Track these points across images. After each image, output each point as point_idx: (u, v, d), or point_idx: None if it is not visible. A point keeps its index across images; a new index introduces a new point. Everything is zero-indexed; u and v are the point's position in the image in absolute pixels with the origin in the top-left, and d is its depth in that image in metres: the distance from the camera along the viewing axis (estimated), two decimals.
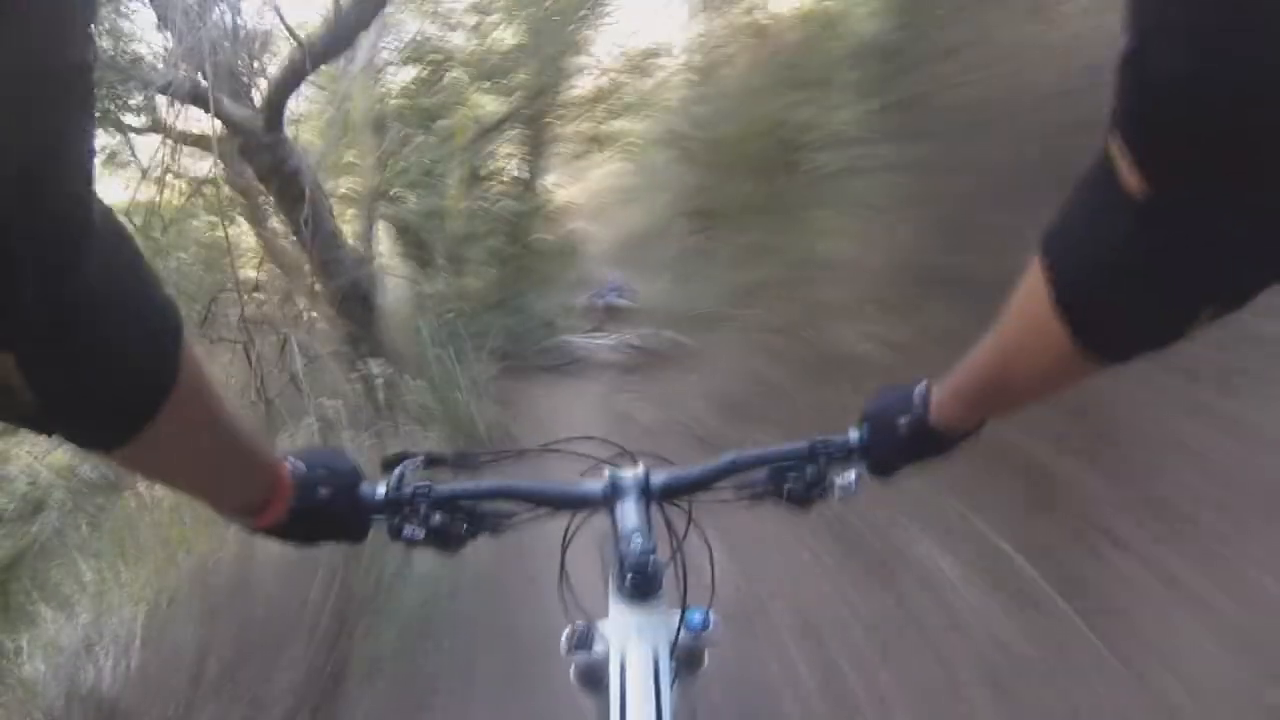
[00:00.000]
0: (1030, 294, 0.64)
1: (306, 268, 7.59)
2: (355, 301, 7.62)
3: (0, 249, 0.36)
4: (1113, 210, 0.51)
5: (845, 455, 1.03)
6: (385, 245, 11.35)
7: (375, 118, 10.10)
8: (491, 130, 12.37)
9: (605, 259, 19.10)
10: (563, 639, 1.25)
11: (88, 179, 0.42)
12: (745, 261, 8.11)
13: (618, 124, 19.79)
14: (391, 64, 11.38)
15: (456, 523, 1.02)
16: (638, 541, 0.97)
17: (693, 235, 9.30)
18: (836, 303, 5.04)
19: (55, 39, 0.35)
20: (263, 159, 6.40)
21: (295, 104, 7.11)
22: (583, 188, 27.24)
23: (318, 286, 7.48)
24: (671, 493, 1.07)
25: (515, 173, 13.55)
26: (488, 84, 12.16)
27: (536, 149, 13.86)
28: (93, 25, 0.38)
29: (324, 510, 0.92)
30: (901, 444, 0.96)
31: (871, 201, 5.09)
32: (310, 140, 9.32)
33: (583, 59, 13.61)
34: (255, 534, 0.88)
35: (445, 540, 1.02)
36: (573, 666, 1.27)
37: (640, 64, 14.93)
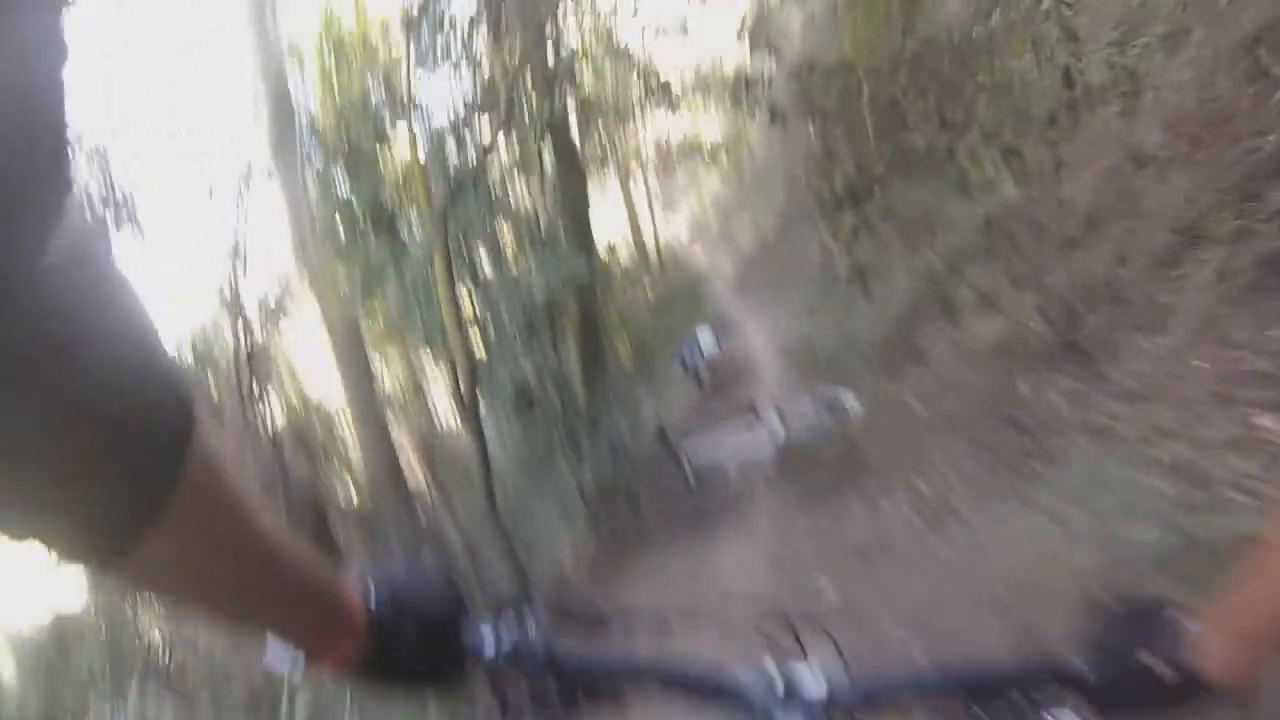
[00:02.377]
0: None
1: None
2: None
3: None
4: None
5: (1062, 687, 0.84)
6: None
7: None
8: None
9: (723, 294, 17.33)
10: None
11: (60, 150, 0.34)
12: (912, 248, 7.00)
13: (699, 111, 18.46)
14: None
15: (572, 692, 0.88)
16: None
17: (833, 228, 7.56)
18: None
19: None
20: None
21: None
22: (674, 208, 25.92)
23: None
24: (855, 711, 0.87)
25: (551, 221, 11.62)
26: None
27: (574, 176, 11.88)
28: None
29: (408, 656, 0.78)
30: (1145, 688, 0.78)
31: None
32: None
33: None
34: (322, 675, 0.75)
35: (552, 710, 0.87)
36: None
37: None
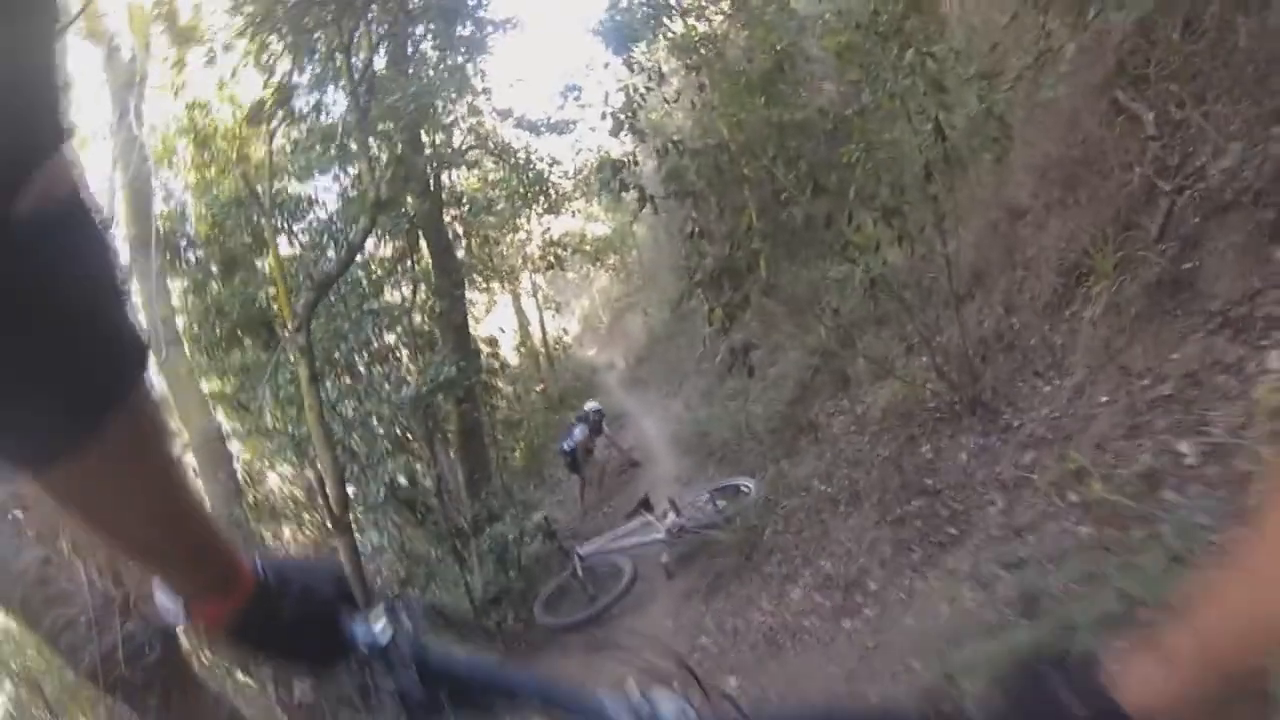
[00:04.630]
0: None
1: None
2: None
3: None
4: None
5: None
6: None
7: None
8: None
9: (615, 389, 17.19)
10: None
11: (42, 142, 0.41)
12: (799, 323, 7.08)
13: (578, 215, 18.71)
14: None
15: (436, 693, 0.91)
16: None
17: (713, 311, 7.47)
18: None
19: None
20: None
21: None
22: (564, 307, 26.04)
23: None
24: None
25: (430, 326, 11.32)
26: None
27: (450, 277, 11.72)
28: None
29: (284, 626, 0.84)
30: None
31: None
32: None
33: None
34: (195, 627, 0.82)
35: (415, 709, 0.90)
36: None
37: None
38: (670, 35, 9.09)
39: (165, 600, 0.79)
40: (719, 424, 8.98)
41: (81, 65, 9.09)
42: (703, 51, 8.27)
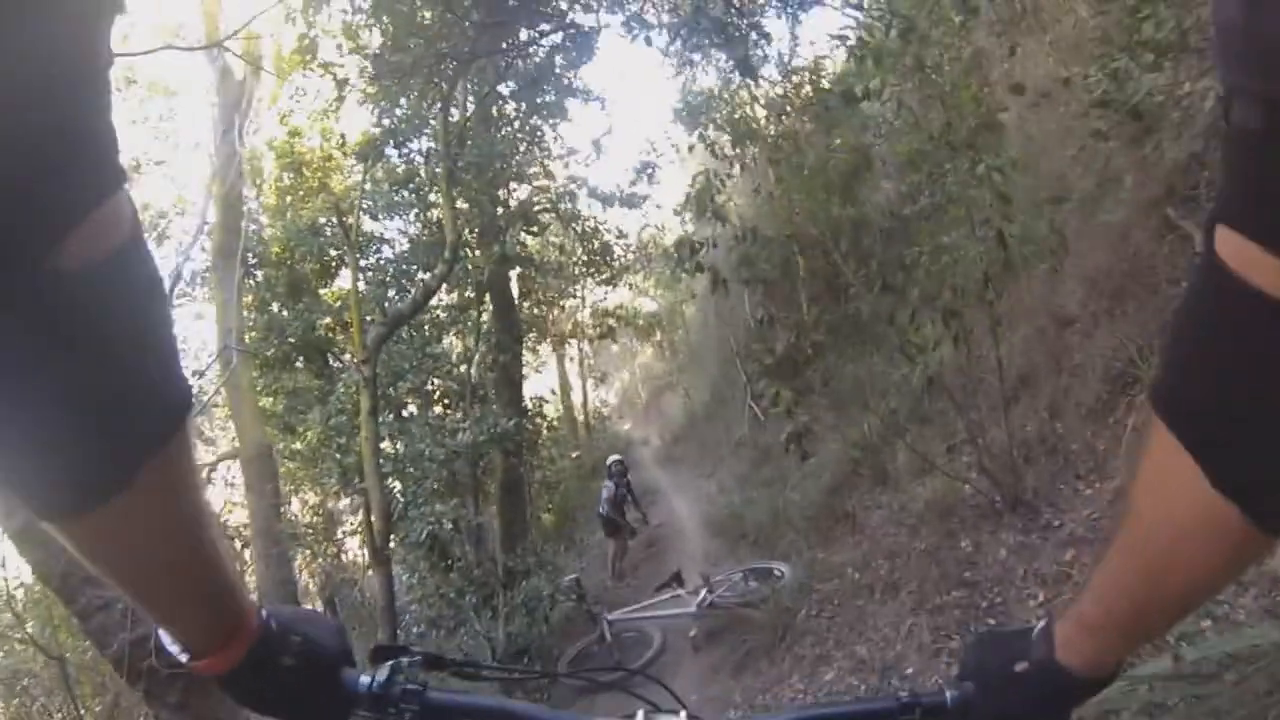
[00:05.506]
0: (1170, 480, 0.59)
1: None
2: None
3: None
4: (1252, 331, 0.47)
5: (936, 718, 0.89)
6: None
7: None
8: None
9: (650, 465, 17.28)
10: None
11: (89, 178, 0.40)
12: (847, 415, 7.14)
13: (636, 288, 19.12)
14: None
15: None
16: None
17: (760, 396, 7.68)
18: None
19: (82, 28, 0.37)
20: None
21: None
22: (607, 378, 26.32)
23: None
24: None
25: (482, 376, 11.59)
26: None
27: (510, 334, 12.05)
28: (111, 27, 0.40)
29: (284, 680, 0.85)
30: (1021, 699, 0.83)
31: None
32: None
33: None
34: (197, 674, 0.81)
35: None
36: None
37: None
38: (746, 125, 9.62)
39: (169, 642, 0.80)
40: (754, 508, 9.05)
41: (195, 79, 9.77)
42: (781, 145, 8.73)
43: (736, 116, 9.72)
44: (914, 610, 4.97)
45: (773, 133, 9.29)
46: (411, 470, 9.24)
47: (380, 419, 8.32)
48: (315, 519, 11.88)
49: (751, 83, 9.22)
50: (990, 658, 0.88)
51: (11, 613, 6.52)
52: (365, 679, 0.92)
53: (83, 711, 6.48)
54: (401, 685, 0.92)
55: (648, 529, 11.00)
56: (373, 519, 7.19)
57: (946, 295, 5.43)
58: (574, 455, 17.75)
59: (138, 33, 8.85)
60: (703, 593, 7.01)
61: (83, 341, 0.44)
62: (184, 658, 0.79)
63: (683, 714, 0.97)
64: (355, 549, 12.17)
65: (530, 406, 13.32)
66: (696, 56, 9.56)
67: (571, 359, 22.72)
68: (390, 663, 0.95)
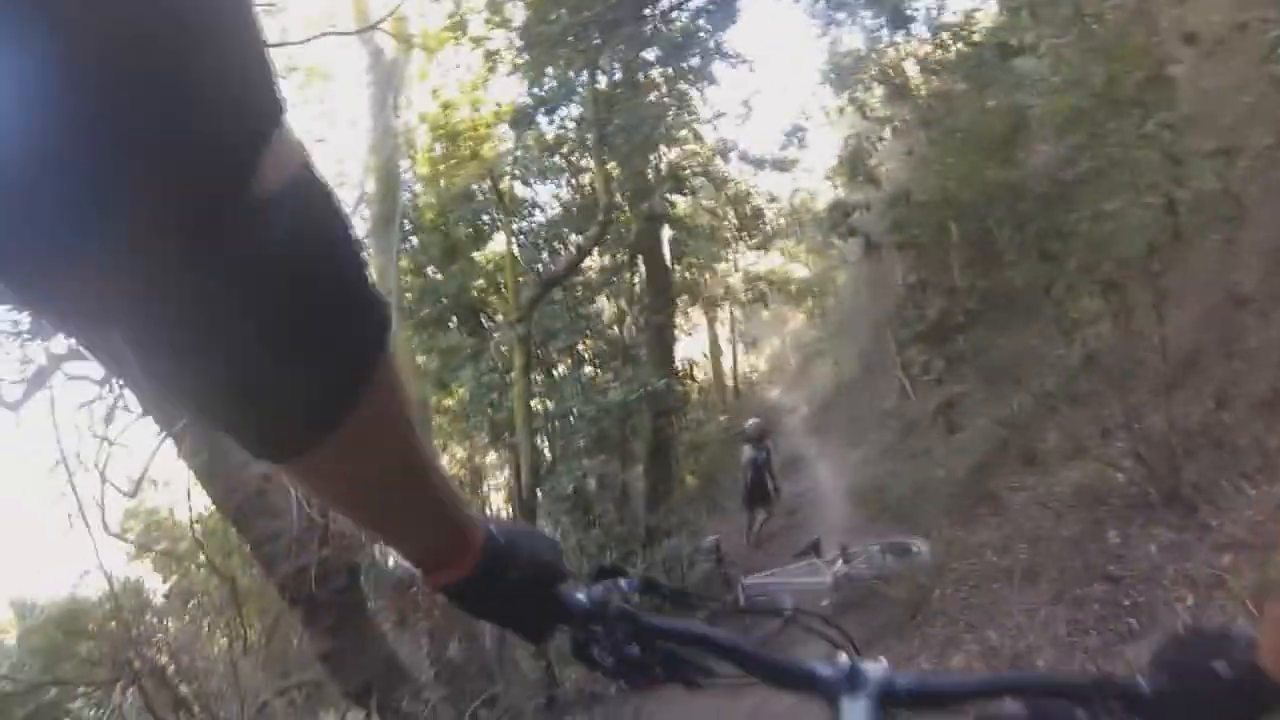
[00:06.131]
0: None
1: None
2: None
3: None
4: None
5: (1129, 704, 0.88)
6: None
7: None
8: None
9: (796, 432, 17.08)
10: None
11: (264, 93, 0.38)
12: (996, 390, 6.82)
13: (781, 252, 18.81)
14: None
15: (651, 661, 0.96)
16: None
17: (910, 365, 7.41)
18: None
19: None
20: None
21: None
22: (756, 343, 26.15)
23: None
24: (914, 702, 0.95)
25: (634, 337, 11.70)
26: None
27: (663, 296, 12.09)
28: None
29: (507, 593, 0.88)
30: (1216, 698, 0.83)
31: None
32: None
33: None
34: (430, 589, 0.85)
35: (632, 676, 0.96)
36: None
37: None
38: (896, 85, 9.15)
39: (400, 559, 0.84)
40: (897, 481, 8.79)
41: (349, 61, 10.42)
42: (933, 106, 8.26)
43: (886, 77, 9.23)
44: (1052, 600, 4.71)
45: (924, 93, 8.78)
46: (560, 426, 9.55)
47: (532, 377, 8.68)
48: (462, 473, 12.55)
49: (900, 40, 8.72)
50: (1189, 654, 0.90)
51: (193, 538, 7.34)
52: (582, 595, 0.96)
53: (246, 629, 7.24)
54: (617, 605, 0.96)
55: (789, 497, 10.90)
56: (520, 473, 7.55)
57: (1107, 266, 5.01)
58: (721, 419, 17.77)
59: (294, 23, 9.46)
60: (839, 564, 6.94)
61: (291, 269, 0.43)
62: (416, 573, 0.83)
63: (883, 661, 0.98)
64: (500, 503, 12.78)
65: (680, 369, 13.42)
66: (842, 15, 9.14)
67: (722, 324, 22.64)
68: (607, 582, 0.99)
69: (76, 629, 7.81)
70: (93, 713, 6.92)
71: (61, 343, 6.22)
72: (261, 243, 0.40)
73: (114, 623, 6.96)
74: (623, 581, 0.98)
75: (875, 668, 0.95)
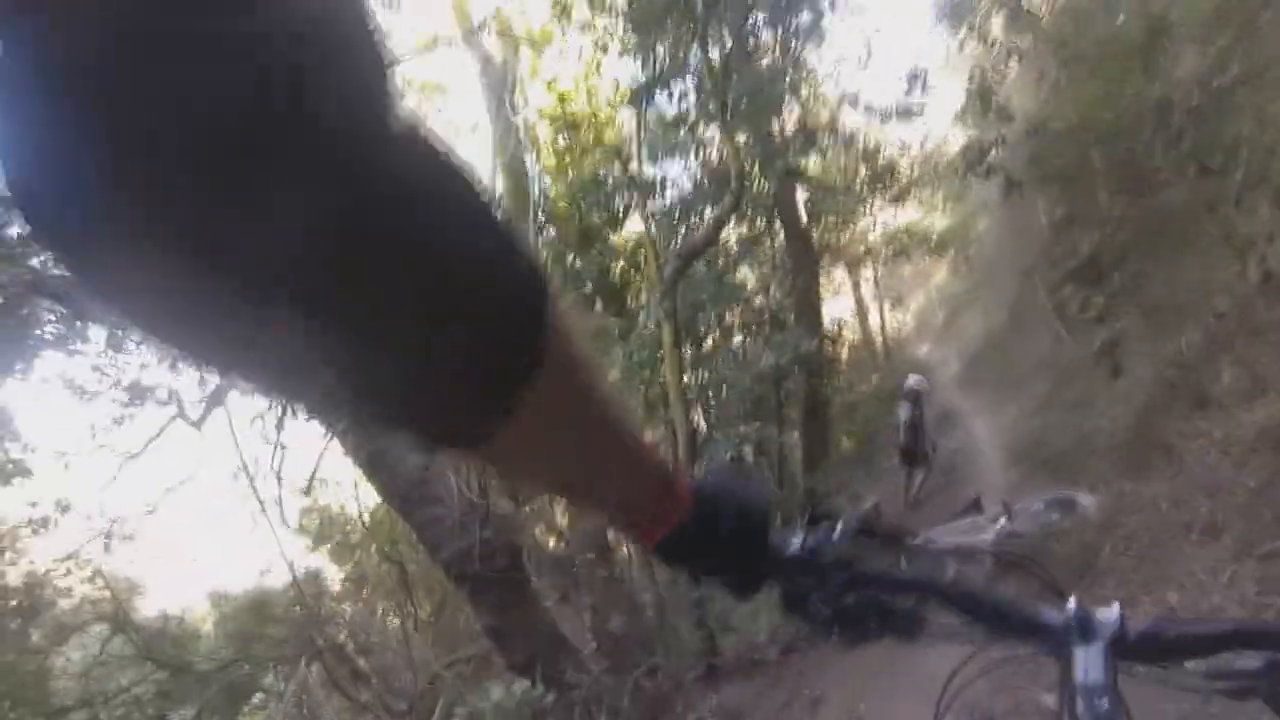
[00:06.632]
0: None
1: None
2: None
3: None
4: None
5: None
6: None
7: None
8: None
9: (949, 388, 16.33)
10: None
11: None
12: (1162, 328, 6.32)
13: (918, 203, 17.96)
14: None
15: (868, 612, 0.91)
16: (1103, 706, 0.85)
17: (1063, 306, 7.00)
18: None
19: None
20: None
21: None
22: (900, 299, 25.19)
23: None
24: (1150, 651, 0.90)
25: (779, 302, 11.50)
26: None
27: (805, 258, 11.82)
28: None
29: (719, 546, 0.83)
30: None
31: None
32: None
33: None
34: (642, 551, 0.88)
35: (848, 629, 0.91)
36: None
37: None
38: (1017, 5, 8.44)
39: (607, 519, 0.83)
40: (1056, 433, 8.22)
41: (461, 69, 10.76)
42: (1061, 25, 7.58)
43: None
44: (1236, 557, 4.25)
45: (1048, 11, 8.04)
46: (714, 397, 9.54)
47: (682, 351, 8.73)
48: None
49: None
50: None
51: (363, 528, 7.91)
52: (795, 542, 0.92)
53: (416, 609, 7.72)
54: (831, 553, 0.92)
55: (946, 454, 10.45)
56: (677, 446, 7.63)
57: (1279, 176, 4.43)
58: (874, 378, 17.27)
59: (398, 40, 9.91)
60: (1001, 520, 6.59)
61: (442, 223, 0.40)
62: (624, 534, 0.82)
63: (1116, 605, 0.93)
64: None
65: (829, 331, 13.15)
66: None
67: (866, 281, 21.95)
68: (819, 528, 0.95)
69: (265, 614, 8.64)
70: (282, 685, 7.68)
71: None
72: (411, 191, 0.37)
73: (297, 607, 7.67)
74: (836, 526, 0.94)
75: (1108, 613, 0.90)
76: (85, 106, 0.29)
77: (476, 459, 0.53)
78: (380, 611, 9.43)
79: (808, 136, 12.16)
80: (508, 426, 0.47)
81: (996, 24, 9.07)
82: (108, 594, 8.86)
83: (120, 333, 6.62)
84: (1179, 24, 5.17)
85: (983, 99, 9.04)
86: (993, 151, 8.81)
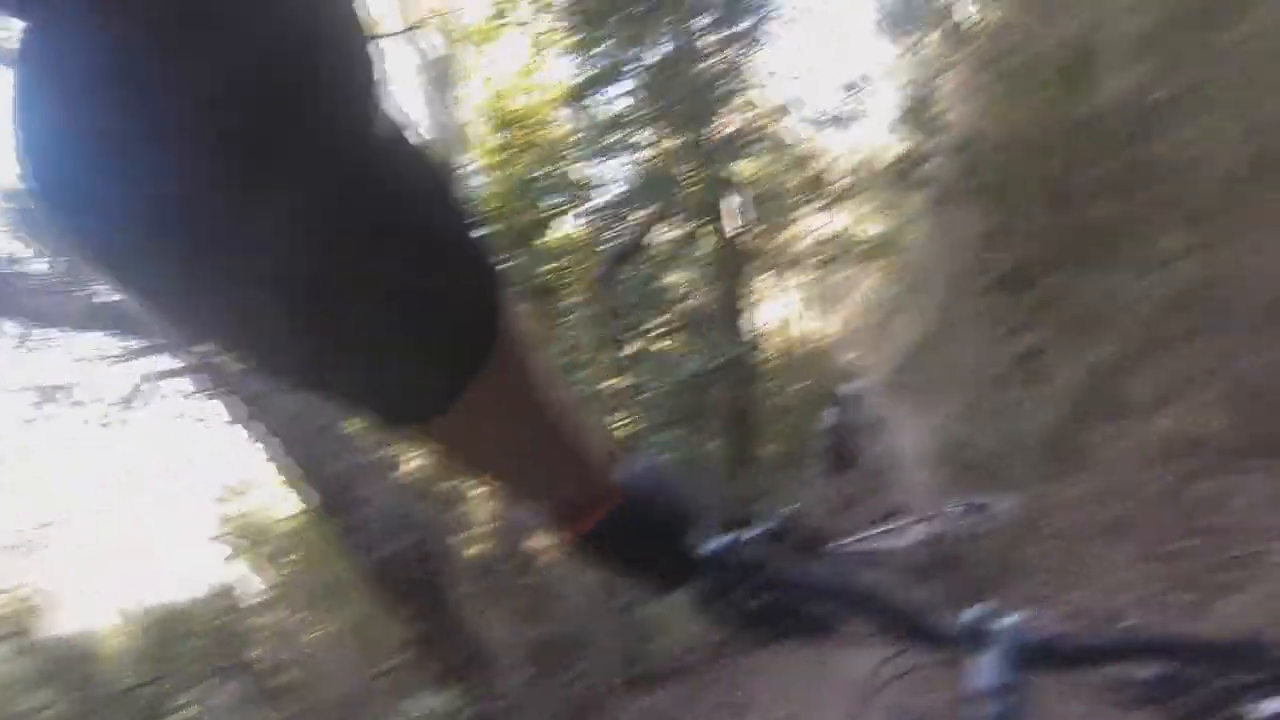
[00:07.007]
0: None
1: None
2: None
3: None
4: None
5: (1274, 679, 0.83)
6: None
7: None
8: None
9: (875, 393, 16.71)
10: None
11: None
12: (1082, 337, 6.63)
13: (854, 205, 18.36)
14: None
15: (781, 614, 0.94)
16: (998, 712, 0.86)
17: (991, 321, 7.22)
18: None
19: None
20: None
21: None
22: (828, 305, 25.72)
23: None
24: (1051, 659, 0.93)
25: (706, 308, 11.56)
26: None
27: (735, 268, 11.89)
28: None
29: (638, 543, 0.83)
30: None
31: None
32: None
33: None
34: (565, 542, 0.82)
35: (756, 630, 0.94)
36: None
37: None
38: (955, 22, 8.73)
39: (532, 508, 0.82)
40: (980, 438, 8.49)
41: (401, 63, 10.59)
42: (995, 41, 7.84)
43: (942, 16, 8.81)
44: (1144, 557, 4.44)
45: (982, 27, 8.33)
46: (638, 402, 9.56)
47: (607, 355, 8.68)
48: None
49: None
50: None
51: (285, 536, 7.65)
52: (713, 544, 0.92)
53: (341, 618, 7.50)
54: (747, 555, 0.92)
55: (870, 460, 10.68)
56: None
57: (1194, 198, 4.65)
58: (801, 384, 17.52)
59: None
60: (920, 526, 6.76)
61: (412, 212, 0.42)
62: (547, 525, 0.81)
63: (1019, 615, 0.95)
64: None
65: (755, 336, 13.24)
66: None
67: (797, 286, 22.21)
68: (738, 532, 0.95)
69: (185, 628, 8.32)
70: (196, 707, 7.38)
71: (155, 363, 6.55)
72: (389, 183, 0.39)
73: (218, 620, 7.40)
74: (755, 531, 0.95)
75: (1011, 621, 0.92)
76: (110, 96, 0.30)
77: (425, 438, 0.55)
78: (305, 621, 9.16)
79: (744, 141, 12.26)
80: (459, 406, 0.49)
81: (934, 38, 9.36)
82: (10, 611, 8.41)
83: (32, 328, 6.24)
84: (1106, 48, 5.42)
85: (916, 111, 9.29)
86: (926, 162, 9.06)
